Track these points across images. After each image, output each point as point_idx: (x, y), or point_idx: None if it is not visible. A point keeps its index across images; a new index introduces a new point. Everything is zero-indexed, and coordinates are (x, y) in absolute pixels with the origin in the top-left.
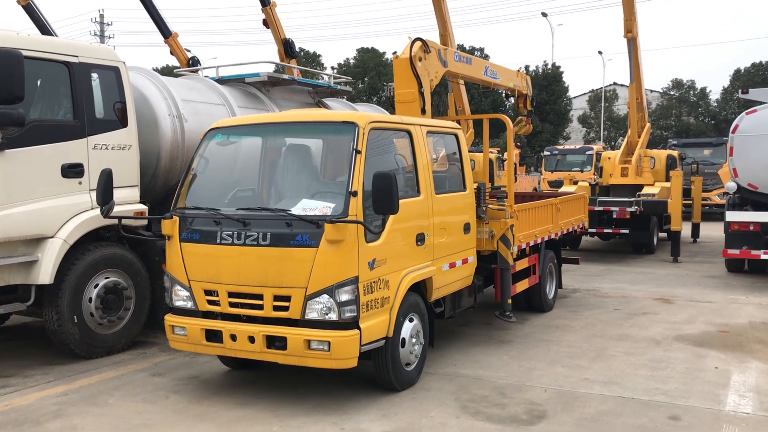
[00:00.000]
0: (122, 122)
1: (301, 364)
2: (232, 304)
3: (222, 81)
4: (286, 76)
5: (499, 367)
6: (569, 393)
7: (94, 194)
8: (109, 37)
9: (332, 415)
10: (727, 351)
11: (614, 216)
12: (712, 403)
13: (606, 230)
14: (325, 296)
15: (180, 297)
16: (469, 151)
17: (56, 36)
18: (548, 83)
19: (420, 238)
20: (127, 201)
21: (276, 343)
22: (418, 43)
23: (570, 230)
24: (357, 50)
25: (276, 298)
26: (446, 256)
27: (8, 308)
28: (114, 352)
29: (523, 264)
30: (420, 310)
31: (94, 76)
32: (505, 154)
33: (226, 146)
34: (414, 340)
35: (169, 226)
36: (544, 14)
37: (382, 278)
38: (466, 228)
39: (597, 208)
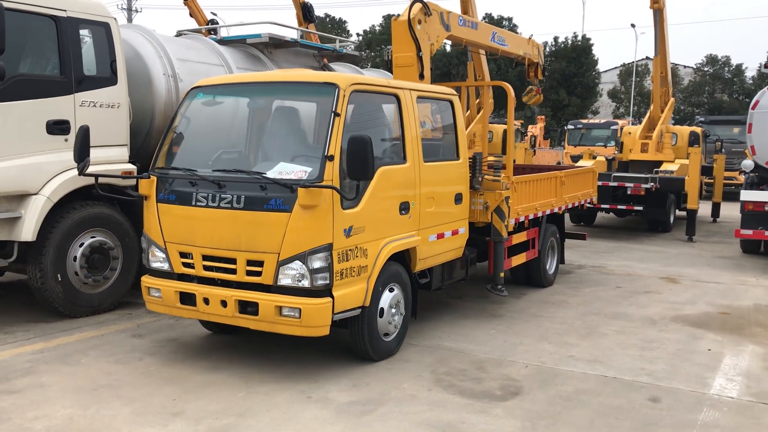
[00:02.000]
0: (112, 80)
1: (272, 330)
2: (206, 268)
3: (224, 42)
4: (288, 38)
5: (484, 341)
6: (550, 370)
7: None
8: None
9: (302, 383)
10: (724, 333)
11: (629, 192)
12: (696, 386)
13: (620, 206)
14: (298, 262)
15: (156, 258)
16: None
17: None
18: (577, 55)
19: (404, 207)
20: (116, 160)
21: (248, 308)
22: (418, 5)
23: (576, 205)
24: (383, 17)
25: (249, 262)
26: (434, 226)
27: None
28: (99, 311)
29: (520, 237)
30: (402, 281)
31: (83, 31)
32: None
33: (208, 106)
34: (394, 310)
35: (147, 186)
36: None
37: (359, 246)
38: (458, 198)
39: (611, 184)
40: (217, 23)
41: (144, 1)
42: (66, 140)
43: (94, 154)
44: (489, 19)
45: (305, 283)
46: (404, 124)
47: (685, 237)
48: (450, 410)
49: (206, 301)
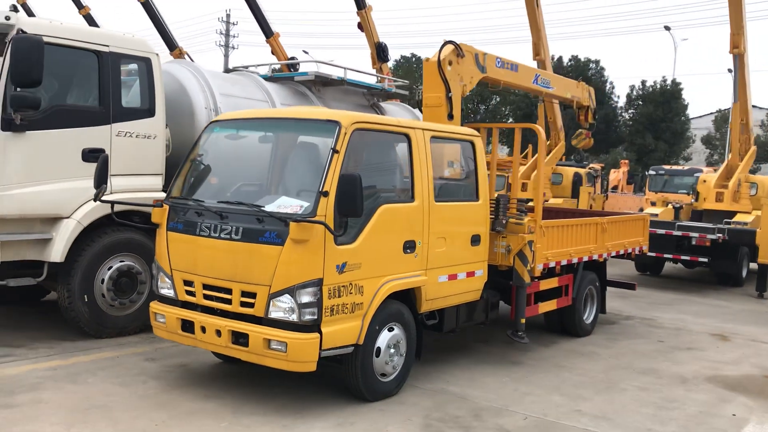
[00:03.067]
0: (149, 112)
1: (260, 363)
2: (206, 296)
3: (273, 79)
4: (334, 77)
5: (493, 388)
6: (550, 423)
7: (115, 179)
8: (234, 36)
9: (288, 418)
10: (760, 398)
11: (693, 243)
12: None
13: (684, 257)
14: (287, 296)
15: (164, 285)
16: (559, 165)
17: (170, 33)
18: (665, 100)
19: (409, 246)
20: (150, 189)
21: (240, 339)
22: (450, 47)
23: (622, 253)
24: None
25: (243, 293)
26: (445, 267)
27: (20, 281)
28: (125, 333)
29: (550, 284)
30: (404, 320)
31: (124, 65)
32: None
33: (223, 140)
34: (393, 350)
35: (159, 215)
36: (667, 28)
37: (354, 283)
38: (475, 240)
39: (675, 233)
40: (297, 61)
41: (242, 39)
42: None
43: (128, 181)
44: (575, 61)
45: (293, 317)
46: (414, 163)
47: (755, 293)
48: None
49: (203, 329)
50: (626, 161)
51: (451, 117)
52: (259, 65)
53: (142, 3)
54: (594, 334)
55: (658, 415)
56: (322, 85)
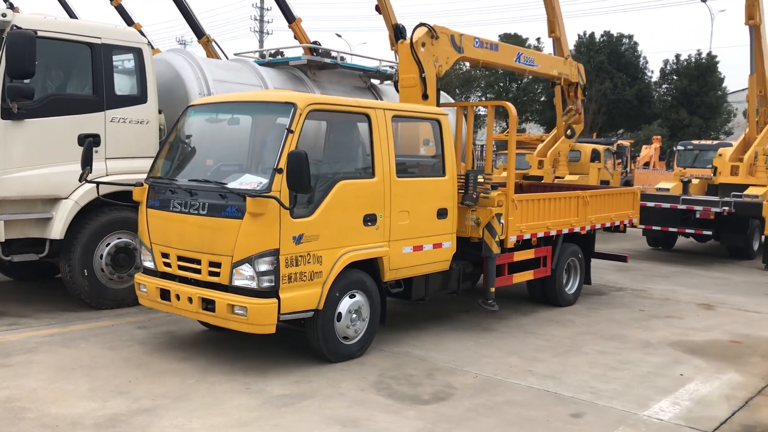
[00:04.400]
0: (142, 98)
1: (226, 326)
2: (180, 267)
3: (272, 64)
4: (328, 60)
5: (455, 351)
6: (497, 381)
7: (110, 162)
8: (268, 22)
9: (251, 377)
10: (715, 360)
11: (698, 216)
12: (633, 406)
13: (688, 231)
14: (247, 265)
15: (146, 258)
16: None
17: (197, 21)
18: (700, 73)
19: (370, 219)
20: (143, 171)
21: (209, 305)
22: (423, 29)
23: (609, 226)
24: (499, 36)
25: (211, 264)
26: (409, 239)
27: (24, 257)
28: (124, 305)
29: (527, 255)
30: (366, 288)
31: (116, 55)
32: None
33: (198, 123)
34: (355, 316)
35: (139, 193)
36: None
37: (312, 253)
38: (441, 213)
39: (680, 207)
40: (320, 45)
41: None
42: (96, 151)
43: (123, 164)
44: (608, 37)
45: (253, 285)
46: (374, 141)
47: (762, 265)
48: (366, 408)
49: (178, 297)
50: (658, 137)
51: (425, 97)
52: (256, 51)
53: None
54: (578, 303)
55: (606, 375)
56: (317, 69)
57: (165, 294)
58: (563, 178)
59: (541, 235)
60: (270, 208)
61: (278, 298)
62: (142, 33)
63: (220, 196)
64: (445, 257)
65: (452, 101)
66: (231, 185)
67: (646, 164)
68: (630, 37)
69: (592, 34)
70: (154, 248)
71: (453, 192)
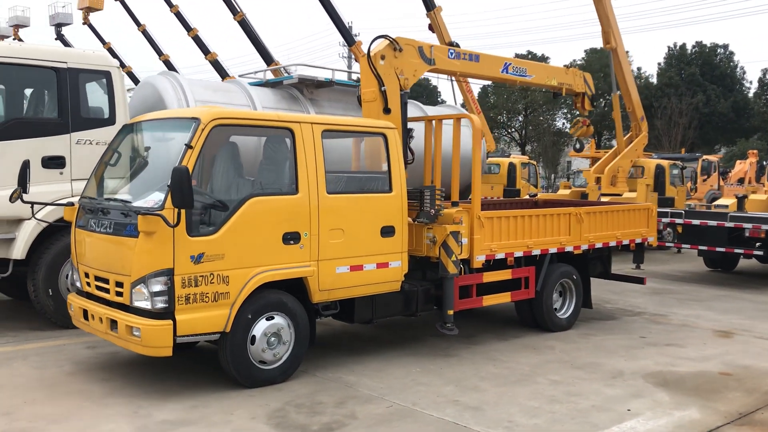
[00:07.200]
0: (110, 120)
1: (127, 348)
2: (97, 287)
3: (270, 84)
4: (322, 78)
5: (392, 378)
6: (409, 411)
7: (75, 184)
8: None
9: (151, 399)
10: (681, 395)
11: (747, 234)
12: None
13: (737, 251)
14: (142, 285)
15: (77, 278)
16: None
17: (265, 47)
18: None
19: (292, 237)
20: None
21: (114, 326)
22: (382, 42)
23: (613, 245)
24: (585, 51)
25: (117, 284)
26: (344, 257)
27: None
28: None
29: (500, 275)
30: (288, 310)
31: (83, 79)
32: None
33: (126, 141)
34: (274, 339)
35: (69, 213)
36: None
37: (216, 273)
38: (387, 231)
39: (728, 225)
40: (281, 66)
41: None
42: (61, 173)
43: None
44: (700, 48)
45: (147, 305)
46: (297, 156)
47: None
48: None
49: (92, 317)
50: (754, 151)
51: (387, 111)
52: (257, 72)
53: (238, 21)
54: (574, 329)
55: (540, 408)
56: (314, 87)
57: (86, 314)
58: (621, 195)
59: (519, 254)
60: (161, 226)
61: (174, 319)
62: (115, 55)
63: (122, 215)
64: (394, 277)
65: (425, 114)
66: (135, 203)
67: (741, 180)
68: (725, 46)
69: (683, 46)
70: (79, 268)
71: (400, 209)
